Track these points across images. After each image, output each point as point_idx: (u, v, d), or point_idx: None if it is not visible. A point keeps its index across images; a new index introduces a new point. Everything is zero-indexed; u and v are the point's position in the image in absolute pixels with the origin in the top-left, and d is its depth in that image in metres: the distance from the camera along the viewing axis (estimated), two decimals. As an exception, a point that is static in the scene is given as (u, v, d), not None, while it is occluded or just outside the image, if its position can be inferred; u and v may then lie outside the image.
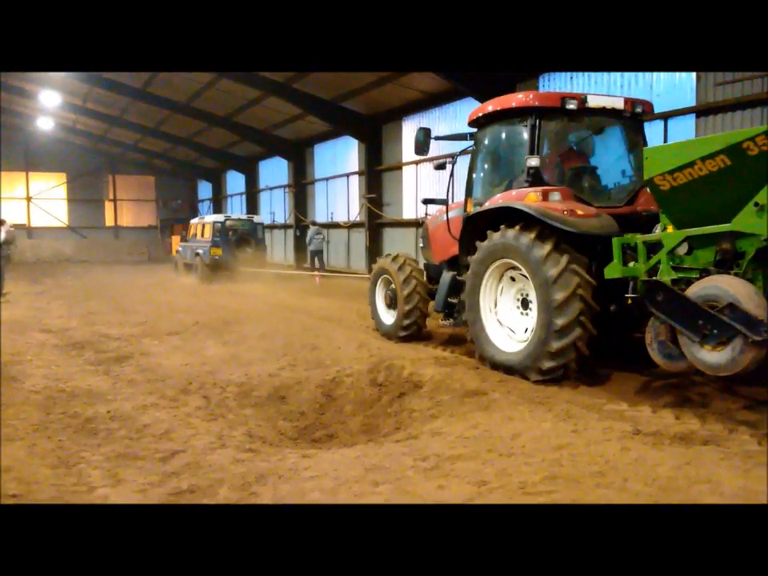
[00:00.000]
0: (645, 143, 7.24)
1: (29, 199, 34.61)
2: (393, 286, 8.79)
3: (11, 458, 4.20)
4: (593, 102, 6.82)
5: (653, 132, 10.74)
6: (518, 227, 6.36)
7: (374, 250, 18.82)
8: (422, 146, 7.89)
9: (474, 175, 7.65)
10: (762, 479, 3.78)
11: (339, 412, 6.04)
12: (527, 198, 6.47)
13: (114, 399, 5.94)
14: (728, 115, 9.49)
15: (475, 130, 7.71)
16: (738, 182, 4.84)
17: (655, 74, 10.76)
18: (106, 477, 4.04)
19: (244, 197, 30.34)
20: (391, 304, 8.93)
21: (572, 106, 6.69)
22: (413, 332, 8.64)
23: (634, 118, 7.17)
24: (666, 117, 10.54)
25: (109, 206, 36.56)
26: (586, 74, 12.03)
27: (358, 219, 20.48)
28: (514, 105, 6.97)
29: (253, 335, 9.10)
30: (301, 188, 24.43)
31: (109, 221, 36.56)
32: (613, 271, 5.86)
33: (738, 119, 9.36)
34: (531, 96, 6.93)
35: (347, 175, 21.47)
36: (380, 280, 9.19)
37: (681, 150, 5.22)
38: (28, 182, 34.45)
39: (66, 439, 4.81)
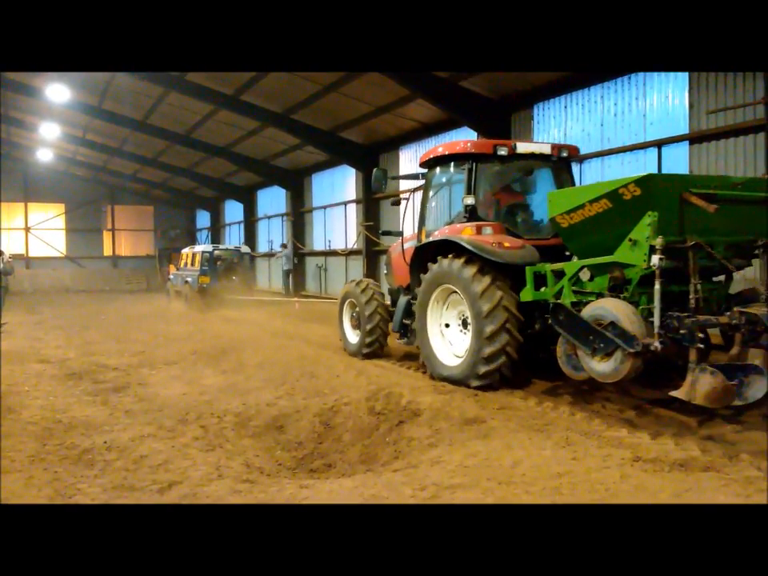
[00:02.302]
0: (572, 182, 8.10)
1: (27, 229, 34.71)
2: (357, 308, 9.54)
3: (7, 491, 4.17)
4: (521, 148, 7.76)
5: (647, 160, 10.89)
6: (451, 256, 7.25)
7: (372, 276, 18.85)
8: (379, 184, 8.74)
9: (425, 210, 8.59)
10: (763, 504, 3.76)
11: (337, 441, 6.00)
12: (463, 232, 7.38)
13: (111, 430, 5.91)
14: (721, 142, 9.59)
15: (426, 170, 8.65)
16: (617, 221, 5.72)
17: (648, 102, 10.90)
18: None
19: (242, 225, 30.45)
20: (356, 325, 9.70)
21: (503, 152, 7.63)
22: (375, 350, 9.41)
23: (561, 161, 8.01)
24: (659, 144, 10.65)
25: (107, 236, 36.65)
26: (580, 103, 12.18)
27: (355, 247, 20.55)
28: (454, 151, 7.96)
29: (250, 364, 9.08)
30: (299, 216, 24.55)
31: (107, 250, 36.61)
32: (526, 295, 6.80)
33: (731, 146, 9.46)
34: (469, 144, 7.90)
35: (345, 203, 21.60)
36: (346, 303, 9.94)
37: (574, 194, 6.26)
38: (27, 212, 34.58)
39: (63, 471, 4.78)
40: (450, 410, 6.06)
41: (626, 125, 11.34)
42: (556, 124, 12.75)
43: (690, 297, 5.47)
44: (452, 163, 8.12)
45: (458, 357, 7.40)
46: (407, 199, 9.22)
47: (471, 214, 7.60)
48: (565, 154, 7.96)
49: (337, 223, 22.23)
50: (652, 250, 5.40)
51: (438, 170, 8.42)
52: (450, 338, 7.64)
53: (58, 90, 19.88)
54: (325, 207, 22.91)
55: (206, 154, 24.71)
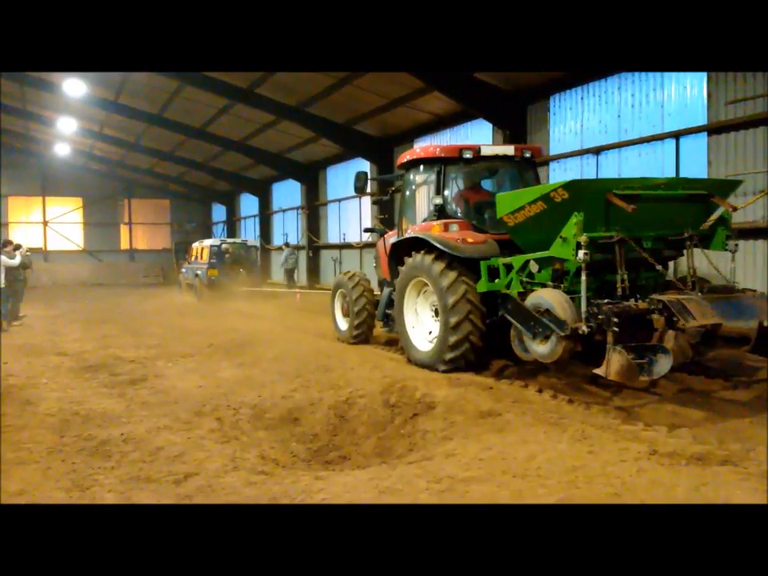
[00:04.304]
0: (537, 181, 8.63)
1: (45, 223, 35.04)
2: (347, 298, 10.19)
3: (25, 481, 4.22)
4: (486, 151, 8.41)
5: (665, 151, 10.77)
6: (422, 252, 7.89)
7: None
8: (361, 185, 9.66)
9: (403, 208, 9.35)
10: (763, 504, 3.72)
11: (352, 433, 6.01)
12: (432, 229, 8.07)
13: (127, 422, 5.96)
14: (740, 133, 9.46)
15: (402, 172, 9.33)
16: (550, 220, 6.35)
17: (666, 93, 10.77)
18: (120, 500, 4.04)
19: (257, 219, 30.53)
20: (346, 313, 10.42)
21: (468, 155, 8.23)
22: (362, 336, 10.10)
23: (524, 161, 8.61)
24: (677, 135, 10.52)
25: (124, 230, 36.92)
26: (596, 95, 12.06)
27: (370, 240, 20.53)
28: (424, 155, 8.68)
29: (265, 357, 9.11)
30: (314, 210, 24.57)
31: (124, 244, 36.90)
32: (481, 286, 7.39)
33: (750, 137, 9.33)
34: (438, 149, 8.61)
35: (359, 197, 21.58)
36: (338, 293, 10.66)
37: (517, 197, 6.90)
38: (45, 206, 34.90)
39: (80, 462, 4.83)
40: (464, 403, 6.05)
41: (643, 116, 11.21)
42: (572, 116, 12.64)
43: (617, 285, 6.18)
44: (423, 166, 8.78)
45: (430, 343, 8.03)
46: (387, 199, 10.11)
47: (440, 212, 8.27)
48: (528, 155, 8.58)
49: (352, 216, 22.22)
50: (578, 245, 6.01)
51: (412, 171, 9.06)
52: (423, 326, 8.31)
53: (74, 85, 20.00)
54: (339, 200, 22.90)
55: (222, 147, 24.77)
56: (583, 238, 5.98)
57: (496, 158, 8.55)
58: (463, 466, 4.52)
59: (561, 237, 6.26)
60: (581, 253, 5.97)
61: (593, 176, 11.97)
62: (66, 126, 25.88)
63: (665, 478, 4.12)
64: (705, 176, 9.85)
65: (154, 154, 29.21)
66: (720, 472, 4.25)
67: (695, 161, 10.19)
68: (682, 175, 10.37)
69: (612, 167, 11.78)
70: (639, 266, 6.52)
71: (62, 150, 31.03)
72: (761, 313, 6.32)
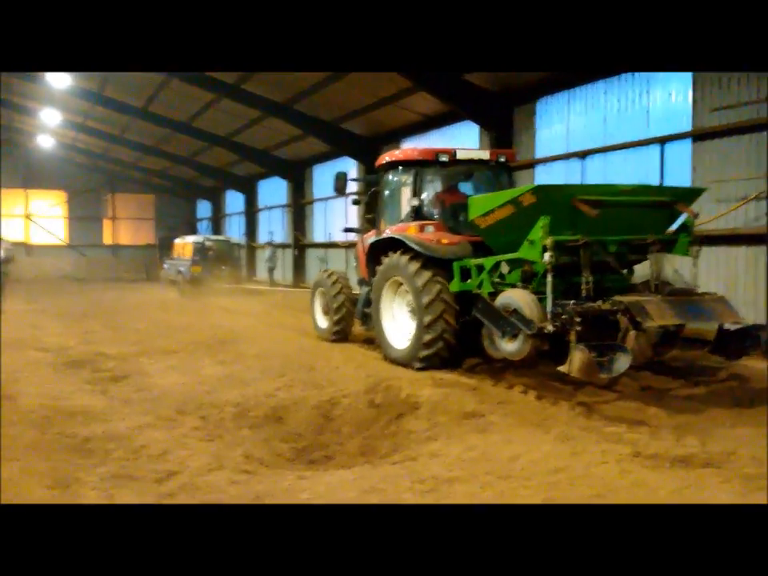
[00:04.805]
0: (511, 185, 8.82)
1: (28, 217, 34.65)
2: (327, 297, 10.31)
3: (5, 479, 4.16)
4: (461, 154, 8.60)
5: (650, 156, 10.86)
6: (399, 252, 8.03)
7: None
8: (341, 186, 9.58)
9: (381, 209, 9.45)
10: (763, 502, 3.77)
11: (337, 433, 6.01)
12: (408, 230, 8.31)
13: (110, 419, 5.91)
14: (724, 140, 9.55)
15: (380, 173, 9.35)
16: (519, 223, 6.53)
17: (652, 99, 10.86)
18: (102, 498, 4.01)
19: (243, 216, 30.40)
20: (326, 311, 10.52)
21: (444, 158, 8.43)
22: (342, 334, 10.20)
23: (499, 165, 8.85)
24: (662, 141, 10.62)
25: (107, 224, 36.61)
26: (583, 99, 12.14)
27: (355, 239, 20.53)
28: (401, 158, 8.91)
29: (249, 354, 9.08)
30: (299, 208, 24.51)
31: (107, 239, 36.59)
32: (454, 286, 7.56)
33: (734, 144, 9.42)
34: (415, 152, 8.90)
35: (346, 196, 21.53)
36: (317, 292, 10.76)
37: (488, 200, 7.11)
38: (27, 199, 34.51)
39: (61, 459, 4.78)
40: (448, 403, 6.06)
41: (629, 121, 11.29)
42: (559, 119, 12.71)
43: (582, 287, 6.39)
44: (401, 168, 8.95)
45: (406, 341, 8.12)
46: (366, 200, 10.30)
47: (417, 213, 8.51)
48: (503, 159, 8.82)
49: (338, 216, 22.20)
50: (545, 248, 6.22)
51: (390, 173, 9.19)
52: (399, 324, 8.43)
53: (58, 76, 19.81)
54: (326, 199, 22.86)
55: (207, 143, 24.64)
56: (549, 241, 6.20)
57: (471, 161, 8.80)
58: (447, 466, 4.54)
59: (528, 239, 6.47)
60: (547, 255, 6.20)
61: (578, 180, 12.05)
62: (50, 117, 25.63)
63: (648, 479, 4.16)
64: (689, 182, 9.95)
65: (138, 148, 28.98)
66: (703, 475, 4.30)
67: (680, 166, 10.28)
68: (666, 181, 10.48)
69: (598, 171, 11.86)
70: (605, 268, 6.77)
71: (45, 141, 30.71)
72: (719, 315, 6.61)
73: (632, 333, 6.49)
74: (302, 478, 4.49)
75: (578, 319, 5.94)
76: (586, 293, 6.38)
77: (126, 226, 37.16)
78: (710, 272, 9.63)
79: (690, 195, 7.33)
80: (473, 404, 6.07)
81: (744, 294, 9.23)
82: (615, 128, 11.55)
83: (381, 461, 5.16)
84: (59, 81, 20.17)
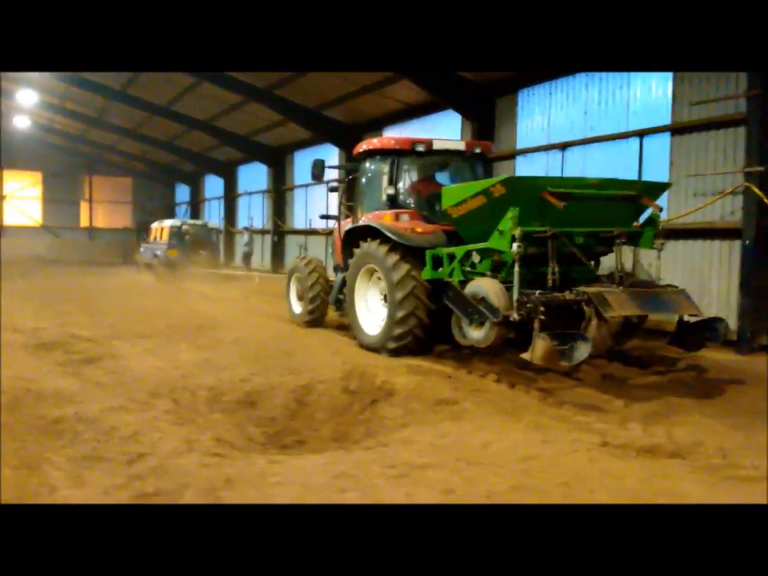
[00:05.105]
0: (487, 175, 8.95)
1: (2, 198, 34.06)
2: (302, 282, 10.44)
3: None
4: (437, 145, 8.68)
5: (629, 149, 10.93)
6: (374, 240, 8.14)
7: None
8: (318, 173, 9.62)
9: (357, 196, 9.63)
10: (726, 494, 3.83)
11: (310, 418, 6.00)
12: (384, 218, 8.33)
13: (81, 401, 5.85)
14: (702, 135, 9.64)
15: (358, 161, 9.47)
16: (489, 214, 6.68)
17: (632, 92, 10.92)
18: (70, 478, 3.97)
19: (222, 201, 30.15)
20: (301, 297, 10.65)
21: (420, 148, 8.54)
22: (316, 319, 10.33)
23: (474, 156, 8.96)
24: (641, 134, 10.69)
25: (84, 207, 36.11)
26: (565, 91, 12.17)
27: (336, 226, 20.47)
28: (378, 146, 8.95)
29: (225, 340, 9.03)
30: (280, 194, 24.36)
31: (84, 222, 36.10)
32: (425, 274, 7.71)
33: (712, 139, 9.51)
34: (392, 141, 8.97)
35: (327, 182, 21.43)
36: (293, 277, 10.88)
37: (460, 190, 7.26)
38: (2, 180, 33.90)
39: (30, 440, 4.72)
40: (423, 390, 6.09)
41: (609, 114, 11.35)
42: (540, 110, 12.74)
43: (548, 277, 6.56)
44: (378, 157, 8.99)
45: (378, 327, 8.27)
46: (343, 187, 10.52)
47: (392, 202, 8.59)
48: (478, 151, 8.92)
49: (318, 202, 22.09)
50: (513, 238, 6.35)
51: (367, 161, 9.25)
52: (372, 311, 8.58)
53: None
54: (306, 186, 22.74)
55: (187, 127, 24.38)
56: (517, 232, 6.33)
57: (447, 152, 8.91)
58: (419, 452, 4.56)
59: (498, 230, 6.61)
60: (515, 245, 6.34)
61: (559, 171, 12.11)
62: (26, 98, 25.16)
63: (615, 468, 4.22)
64: (667, 175, 10.04)
65: (117, 131, 28.58)
66: (669, 465, 4.37)
67: (658, 160, 10.36)
68: (644, 174, 10.55)
69: (577, 163, 11.91)
70: (572, 260, 6.90)
71: (21, 122, 30.17)
72: (679, 307, 6.83)
73: (594, 322, 6.72)
74: (274, 462, 4.47)
75: (541, 308, 6.12)
76: (553, 283, 6.55)
77: (103, 209, 36.70)
78: (685, 265, 9.75)
79: (655, 189, 7.49)
80: (447, 391, 6.11)
81: (718, 287, 9.36)
82: (595, 120, 11.61)
83: (354, 446, 5.17)
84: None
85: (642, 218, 7.36)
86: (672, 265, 9.70)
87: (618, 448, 4.69)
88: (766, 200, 8.36)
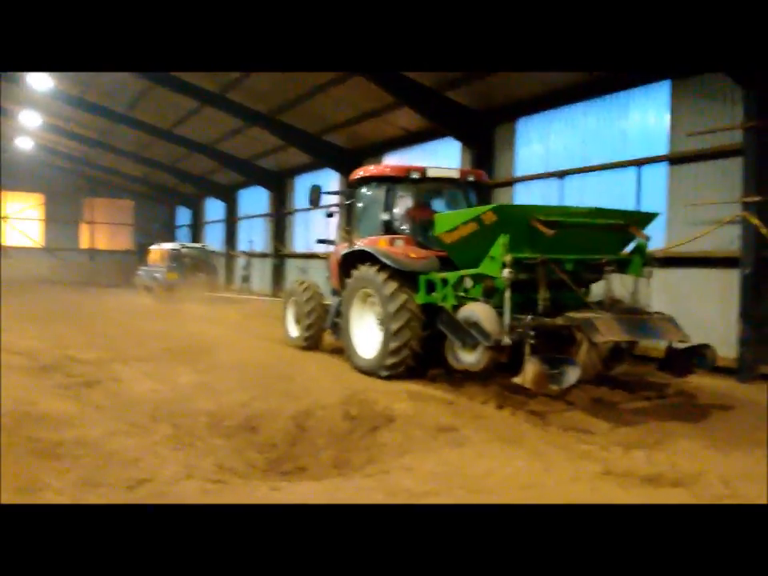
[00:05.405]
0: (480, 202, 9.00)
1: (3, 218, 34.14)
2: (299, 306, 10.59)
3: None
4: (432, 173, 8.89)
5: (627, 179, 11.02)
6: (369, 265, 8.33)
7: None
8: (314, 199, 9.72)
9: (354, 222, 9.83)
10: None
11: (311, 444, 5.97)
12: (378, 243, 8.58)
13: (81, 425, 5.83)
14: (700, 165, 9.72)
15: (354, 187, 9.67)
16: (481, 240, 6.85)
17: (630, 121, 11.04)
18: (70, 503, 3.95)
19: (223, 224, 30.24)
20: (298, 320, 10.76)
21: (415, 175, 8.73)
22: (312, 343, 10.45)
23: (468, 184, 9.17)
24: (639, 164, 10.78)
25: (85, 229, 36.18)
26: (563, 119, 12.30)
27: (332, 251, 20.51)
28: (374, 174, 9.18)
29: (225, 363, 9.01)
30: (281, 218, 24.46)
31: (84, 243, 36.13)
32: (419, 298, 7.87)
33: (710, 169, 9.60)
34: (388, 168, 9.23)
35: (328, 206, 21.54)
36: (290, 301, 11.01)
37: (453, 217, 7.49)
38: (3, 201, 33.99)
39: (30, 464, 4.70)
40: (423, 417, 6.07)
41: (607, 143, 11.45)
42: (538, 139, 12.86)
43: (539, 303, 6.72)
44: (374, 183, 9.19)
45: (374, 350, 8.34)
46: (339, 212, 10.95)
47: (387, 228, 8.79)
48: (471, 179, 9.14)
49: (319, 227, 22.17)
50: (504, 265, 6.53)
51: (363, 187, 9.47)
52: (367, 334, 8.62)
53: (39, 79, 19.63)
54: (308, 210, 22.81)
55: (189, 150, 24.53)
56: (508, 258, 6.52)
57: (442, 180, 9.11)
58: (420, 480, 4.54)
59: (490, 256, 6.77)
60: (506, 271, 6.50)
61: (556, 200, 12.19)
62: (30, 119, 25.34)
63: (618, 497, 4.20)
64: (665, 204, 10.12)
65: (119, 153, 28.70)
66: (672, 494, 4.35)
67: (656, 189, 10.44)
68: (642, 203, 10.64)
69: (575, 191, 11.99)
70: (562, 286, 7.00)
71: (24, 143, 30.34)
72: (667, 333, 6.95)
73: (584, 347, 6.97)
74: (274, 489, 4.46)
75: (532, 333, 6.29)
76: (543, 308, 6.71)
77: (105, 231, 36.74)
78: (682, 292, 9.78)
79: (643, 219, 7.63)
80: (447, 418, 6.09)
81: (719, 315, 9.38)
82: (594, 149, 11.71)
83: (354, 473, 5.14)
84: (40, 83, 19.98)
85: (630, 247, 7.54)
86: (669, 292, 9.73)
87: (620, 476, 4.67)
88: (763, 229, 8.43)
